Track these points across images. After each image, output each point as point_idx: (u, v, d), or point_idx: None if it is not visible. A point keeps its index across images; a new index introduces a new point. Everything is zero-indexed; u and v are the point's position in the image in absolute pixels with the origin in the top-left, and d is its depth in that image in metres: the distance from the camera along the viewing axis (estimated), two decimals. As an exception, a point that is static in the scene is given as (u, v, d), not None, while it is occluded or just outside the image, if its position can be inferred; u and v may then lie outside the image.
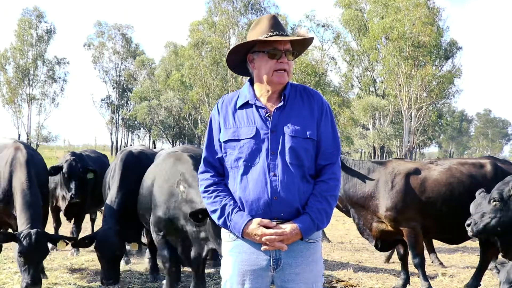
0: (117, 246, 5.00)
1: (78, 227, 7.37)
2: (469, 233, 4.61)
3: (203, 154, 2.56)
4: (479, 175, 5.45)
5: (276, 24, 2.45)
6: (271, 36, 2.41)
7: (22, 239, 4.54)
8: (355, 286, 5.83)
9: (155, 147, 30.65)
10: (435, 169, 5.54)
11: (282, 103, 2.46)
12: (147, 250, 6.30)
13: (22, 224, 4.73)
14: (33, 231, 4.59)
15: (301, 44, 2.55)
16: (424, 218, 5.36)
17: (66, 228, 8.05)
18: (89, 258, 6.85)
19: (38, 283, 4.55)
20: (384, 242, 5.69)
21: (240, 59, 2.57)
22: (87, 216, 8.10)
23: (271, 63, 2.44)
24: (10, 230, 5.21)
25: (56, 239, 4.94)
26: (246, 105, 2.49)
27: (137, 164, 5.71)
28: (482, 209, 4.55)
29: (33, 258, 4.54)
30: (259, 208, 2.36)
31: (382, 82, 40.59)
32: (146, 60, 53.57)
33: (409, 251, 5.52)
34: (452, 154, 78.59)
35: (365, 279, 6.07)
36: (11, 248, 7.39)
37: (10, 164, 5.12)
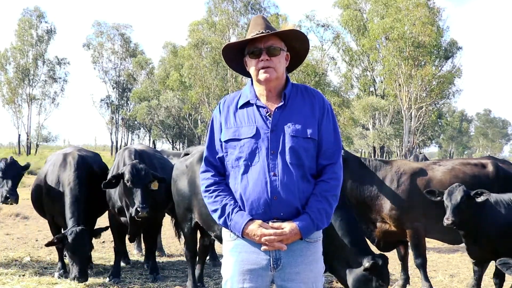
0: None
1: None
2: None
3: (204, 154, 2.56)
4: (481, 175, 5.46)
5: (257, 24, 2.47)
6: (252, 37, 2.44)
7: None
8: (355, 286, 5.82)
9: (155, 147, 30.63)
10: (438, 169, 5.54)
11: (282, 103, 2.46)
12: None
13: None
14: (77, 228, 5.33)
15: (294, 39, 2.54)
16: (427, 219, 5.35)
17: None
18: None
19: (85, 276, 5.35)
20: (386, 243, 5.68)
21: (240, 61, 2.58)
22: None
23: (254, 62, 2.46)
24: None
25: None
26: (247, 104, 2.49)
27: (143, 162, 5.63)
28: None
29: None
30: (259, 207, 2.36)
31: (382, 82, 40.61)
32: (143, 60, 53.48)
33: (411, 251, 5.52)
34: (452, 154, 78.58)
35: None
36: (11, 248, 7.40)
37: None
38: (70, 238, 5.25)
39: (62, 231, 5.55)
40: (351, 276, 3.95)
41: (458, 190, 4.64)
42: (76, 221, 5.41)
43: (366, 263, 3.87)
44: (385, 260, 3.98)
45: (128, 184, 5.21)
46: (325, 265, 4.17)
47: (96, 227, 6.43)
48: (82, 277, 5.31)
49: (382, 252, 4.11)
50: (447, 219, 4.57)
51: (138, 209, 5.07)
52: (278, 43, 2.48)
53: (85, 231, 5.36)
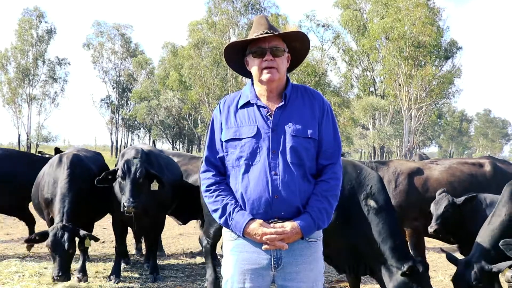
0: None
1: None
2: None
3: (205, 154, 2.57)
4: (479, 175, 5.48)
5: (261, 24, 2.48)
6: (256, 36, 2.45)
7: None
8: (355, 286, 5.82)
9: (154, 147, 30.55)
10: (435, 168, 5.56)
11: (283, 103, 2.47)
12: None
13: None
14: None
15: (296, 40, 2.55)
16: (426, 218, 5.36)
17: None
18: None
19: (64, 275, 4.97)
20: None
21: (239, 61, 2.59)
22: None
23: (257, 62, 2.47)
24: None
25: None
26: (248, 104, 2.50)
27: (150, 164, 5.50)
28: None
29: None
30: (260, 207, 2.37)
31: (382, 82, 40.64)
32: (143, 60, 53.47)
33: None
34: (452, 154, 78.59)
35: (365, 279, 6.07)
36: (11, 248, 7.41)
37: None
38: (50, 235, 5.01)
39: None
40: (391, 281, 3.87)
41: (443, 199, 4.65)
42: (61, 218, 5.18)
43: (405, 267, 3.79)
44: (426, 266, 3.89)
45: (118, 178, 5.11)
46: (365, 268, 4.16)
47: (96, 227, 6.43)
48: (62, 275, 4.94)
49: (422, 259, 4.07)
50: (431, 227, 4.61)
51: (125, 203, 4.87)
52: (281, 44, 2.49)
53: (67, 228, 5.05)
